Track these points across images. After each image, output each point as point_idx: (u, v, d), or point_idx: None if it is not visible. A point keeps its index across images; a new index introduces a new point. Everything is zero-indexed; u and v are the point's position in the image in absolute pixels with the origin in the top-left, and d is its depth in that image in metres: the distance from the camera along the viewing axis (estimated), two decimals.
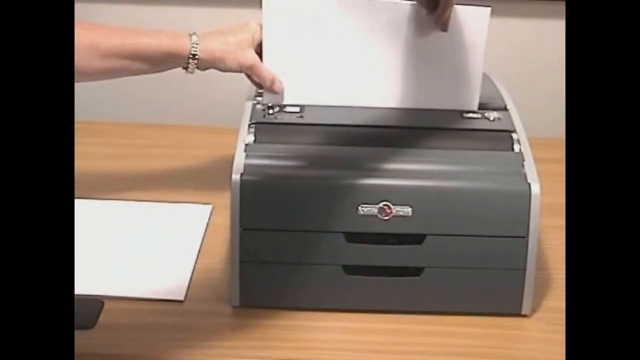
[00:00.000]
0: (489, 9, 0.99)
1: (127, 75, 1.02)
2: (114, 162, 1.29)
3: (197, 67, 1.02)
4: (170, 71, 1.26)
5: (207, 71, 1.16)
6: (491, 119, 1.01)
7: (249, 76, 1.05)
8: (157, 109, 1.49)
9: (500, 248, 0.93)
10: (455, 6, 0.98)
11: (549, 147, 1.11)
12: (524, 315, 0.96)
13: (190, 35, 1.01)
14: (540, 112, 1.35)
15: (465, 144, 0.97)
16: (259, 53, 1.02)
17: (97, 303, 0.96)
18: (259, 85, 1.04)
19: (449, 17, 0.97)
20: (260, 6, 1.00)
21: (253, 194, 0.92)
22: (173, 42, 1.00)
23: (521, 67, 1.43)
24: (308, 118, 1.00)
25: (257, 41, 1.02)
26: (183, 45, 1.00)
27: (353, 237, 0.93)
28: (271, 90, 1.01)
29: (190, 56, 1.00)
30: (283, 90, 1.02)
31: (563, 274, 0.97)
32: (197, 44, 1.00)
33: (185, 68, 1.02)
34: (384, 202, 0.91)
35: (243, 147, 0.95)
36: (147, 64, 1.00)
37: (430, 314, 0.95)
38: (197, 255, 1.05)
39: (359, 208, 0.92)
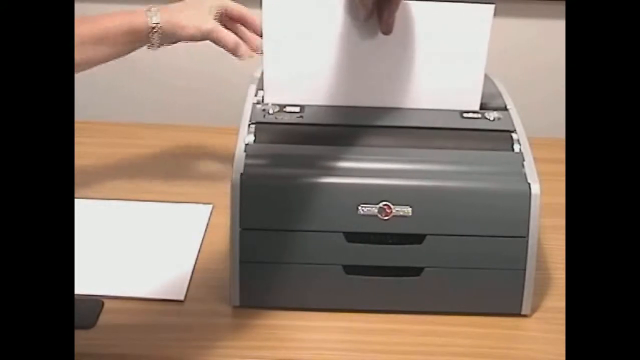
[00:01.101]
0: (493, 5, 0.98)
1: (95, 64, 1.02)
2: (114, 162, 1.29)
3: (161, 40, 1.02)
4: (170, 71, 1.26)
5: (208, 71, 1.16)
6: (491, 119, 1.00)
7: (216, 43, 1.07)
8: (157, 109, 1.49)
9: (500, 248, 0.93)
10: (458, 3, 0.98)
11: (549, 147, 1.11)
12: (524, 315, 0.96)
13: (148, 9, 1.02)
14: (540, 112, 1.35)
15: (465, 144, 0.97)
16: (222, 22, 1.04)
17: (97, 303, 0.95)
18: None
19: (393, 19, 0.97)
20: (260, 6, 1.00)
21: (253, 194, 0.92)
22: (131, 17, 1.01)
23: (521, 67, 1.43)
24: (308, 118, 1.00)
25: (216, 9, 1.04)
26: (142, 18, 1.01)
27: (353, 237, 0.93)
28: (236, 54, 1.03)
29: (152, 27, 1.00)
30: (249, 55, 1.04)
31: (563, 274, 0.98)
32: (156, 14, 1.01)
33: (150, 45, 1.02)
34: (384, 202, 0.92)
35: (243, 147, 0.95)
36: (109, 46, 1.01)
37: (430, 314, 0.95)
38: (197, 255, 1.05)
39: (359, 208, 0.92)
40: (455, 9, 0.99)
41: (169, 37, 1.03)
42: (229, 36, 1.02)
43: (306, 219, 0.92)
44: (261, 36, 1.01)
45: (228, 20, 1.08)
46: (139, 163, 1.29)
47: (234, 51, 1.04)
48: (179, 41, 1.06)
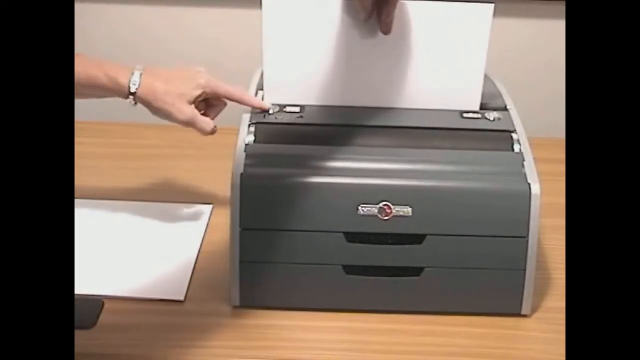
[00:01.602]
0: (492, 5, 0.98)
1: None
2: (114, 162, 1.29)
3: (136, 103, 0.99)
4: None
5: (208, 71, 1.15)
6: (491, 119, 1.00)
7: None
8: None
9: (500, 248, 0.93)
10: (457, 3, 0.98)
11: (549, 147, 1.11)
12: (524, 315, 0.96)
13: (132, 70, 0.97)
14: (540, 112, 1.35)
15: (465, 144, 0.97)
16: (206, 98, 1.01)
17: (97, 303, 0.96)
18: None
19: (392, 19, 0.96)
20: (260, 6, 1.00)
21: (253, 194, 0.92)
22: (110, 76, 0.97)
23: (521, 67, 1.43)
24: (308, 118, 1.00)
25: (201, 89, 0.99)
26: (123, 79, 0.97)
27: (353, 237, 0.93)
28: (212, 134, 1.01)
29: (130, 92, 0.97)
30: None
31: (563, 274, 0.98)
32: (137, 80, 0.97)
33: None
34: (384, 202, 0.92)
35: (243, 147, 0.95)
36: (82, 95, 0.98)
37: (430, 314, 0.95)
38: (197, 255, 1.05)
39: (359, 208, 0.92)
40: (454, 8, 0.99)
41: (145, 105, 0.99)
42: (205, 124, 0.99)
43: (306, 219, 0.92)
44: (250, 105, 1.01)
45: (213, 96, 1.02)
46: (139, 163, 1.29)
47: (209, 134, 1.01)
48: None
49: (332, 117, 1.00)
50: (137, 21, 1.45)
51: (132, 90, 0.97)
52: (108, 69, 0.97)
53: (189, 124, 0.99)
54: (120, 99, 0.99)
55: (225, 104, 1.03)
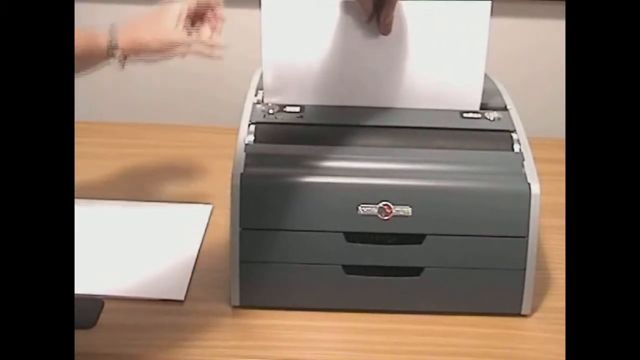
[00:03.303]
0: (489, 2, 0.98)
1: None
2: (114, 162, 1.29)
3: (125, 61, 0.96)
4: (171, 71, 1.26)
5: (208, 71, 1.15)
6: (491, 119, 1.01)
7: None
8: (157, 109, 1.49)
9: (500, 248, 0.93)
10: (454, 1, 0.98)
11: (549, 147, 1.11)
12: (524, 315, 0.96)
13: (110, 27, 0.96)
14: (540, 112, 1.35)
15: (465, 144, 0.97)
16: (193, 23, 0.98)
17: (97, 303, 0.96)
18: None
19: (391, 20, 0.96)
20: (260, 6, 1.00)
21: (253, 194, 0.92)
22: (89, 40, 0.94)
23: (521, 67, 1.43)
24: (308, 118, 1.00)
25: (182, 16, 0.97)
26: (101, 39, 0.94)
27: (353, 237, 0.93)
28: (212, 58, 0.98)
29: (111, 48, 0.95)
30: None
31: (563, 274, 0.98)
32: (115, 34, 0.95)
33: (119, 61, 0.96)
34: (384, 202, 0.92)
35: (243, 147, 0.95)
36: None
37: (430, 314, 0.95)
38: (197, 255, 1.05)
39: (359, 208, 0.92)
40: (452, 7, 0.99)
41: (135, 56, 0.96)
42: (202, 47, 0.97)
43: (306, 219, 0.92)
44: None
45: (200, 17, 1.00)
46: (139, 163, 1.29)
47: (212, 56, 0.98)
48: (153, 59, 0.98)
49: (332, 117, 1.00)
50: None
51: (113, 43, 0.94)
52: (81, 35, 0.91)
53: (180, 45, 0.96)
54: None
55: (222, 20, 1.00)
